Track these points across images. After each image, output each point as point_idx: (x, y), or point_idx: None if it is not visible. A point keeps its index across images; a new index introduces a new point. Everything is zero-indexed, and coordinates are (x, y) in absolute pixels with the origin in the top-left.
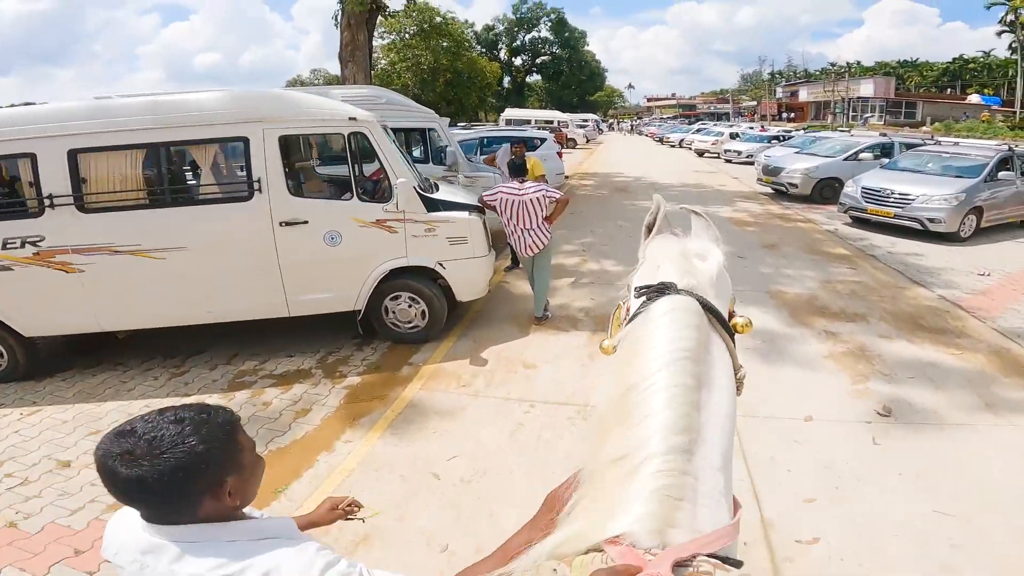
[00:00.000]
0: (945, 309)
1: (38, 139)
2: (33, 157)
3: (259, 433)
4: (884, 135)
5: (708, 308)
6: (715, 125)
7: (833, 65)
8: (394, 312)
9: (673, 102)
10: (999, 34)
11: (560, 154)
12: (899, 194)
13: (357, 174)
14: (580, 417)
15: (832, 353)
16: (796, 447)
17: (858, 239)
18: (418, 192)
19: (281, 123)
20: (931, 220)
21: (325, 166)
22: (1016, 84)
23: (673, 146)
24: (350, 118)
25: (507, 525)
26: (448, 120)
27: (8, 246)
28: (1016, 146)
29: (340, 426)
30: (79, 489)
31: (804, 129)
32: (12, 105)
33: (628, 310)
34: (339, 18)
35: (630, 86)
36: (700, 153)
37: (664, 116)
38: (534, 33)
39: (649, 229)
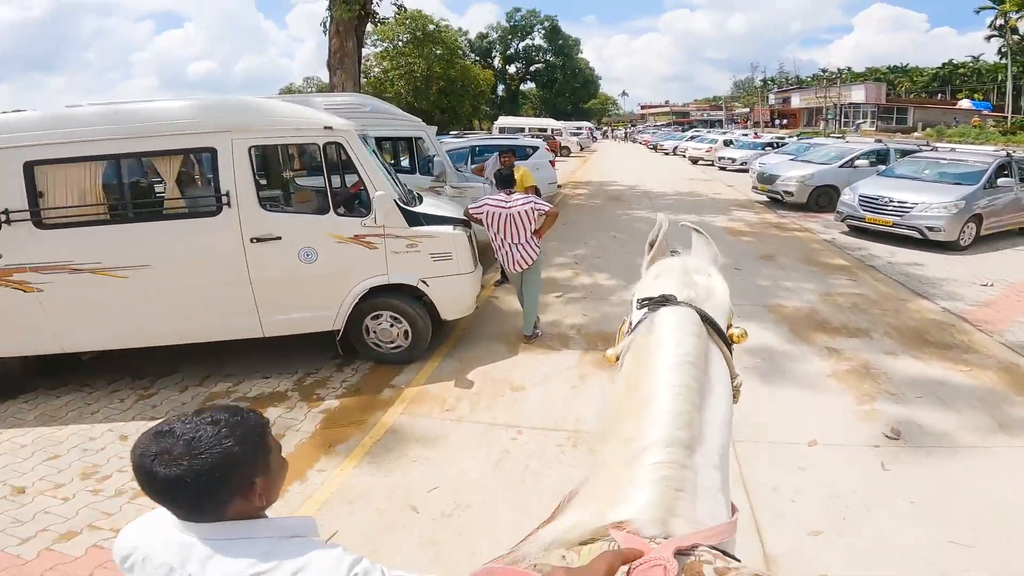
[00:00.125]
0: (950, 323)
1: None
2: None
3: None
4: (879, 141)
5: (706, 319)
6: (709, 132)
7: (824, 71)
8: (375, 332)
9: (667, 109)
10: (988, 38)
11: (553, 163)
12: (897, 202)
13: (336, 186)
14: (570, 444)
15: (835, 371)
16: (800, 474)
17: (856, 248)
18: (399, 205)
19: (251, 133)
20: (931, 228)
21: (309, 178)
22: (1006, 88)
23: (667, 154)
24: (325, 127)
25: None
26: (436, 129)
27: None
28: (1013, 151)
29: (315, 453)
30: (31, 517)
31: (797, 136)
32: (3, 112)
33: (631, 323)
34: (328, 25)
35: (624, 93)
36: (694, 160)
37: (658, 123)
38: (528, 41)
39: (651, 245)
